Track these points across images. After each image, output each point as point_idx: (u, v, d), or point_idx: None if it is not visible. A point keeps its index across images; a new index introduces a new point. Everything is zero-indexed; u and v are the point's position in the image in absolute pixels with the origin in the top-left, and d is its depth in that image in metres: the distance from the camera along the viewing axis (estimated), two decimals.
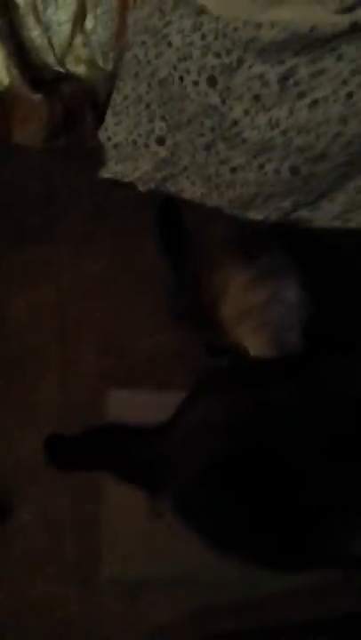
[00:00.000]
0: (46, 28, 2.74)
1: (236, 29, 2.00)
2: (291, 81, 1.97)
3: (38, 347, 2.05)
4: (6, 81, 2.78)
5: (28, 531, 1.72)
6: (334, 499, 1.33)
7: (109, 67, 2.72)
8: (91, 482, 1.74)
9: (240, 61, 2.03)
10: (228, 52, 2.04)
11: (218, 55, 2.06)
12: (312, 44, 1.90)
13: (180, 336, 2.03)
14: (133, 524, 1.65)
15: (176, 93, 2.22)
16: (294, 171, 2.12)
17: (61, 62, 2.80)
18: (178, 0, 2.13)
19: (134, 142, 2.47)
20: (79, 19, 2.68)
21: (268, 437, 1.36)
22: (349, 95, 1.91)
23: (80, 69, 2.81)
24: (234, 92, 2.09)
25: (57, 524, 1.72)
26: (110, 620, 1.60)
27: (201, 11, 2.09)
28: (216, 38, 2.05)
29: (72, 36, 2.73)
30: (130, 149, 2.49)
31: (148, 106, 2.36)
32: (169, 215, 2.23)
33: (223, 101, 2.12)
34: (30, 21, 2.72)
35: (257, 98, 2.05)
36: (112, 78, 2.65)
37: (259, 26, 1.95)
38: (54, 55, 2.79)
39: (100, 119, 2.63)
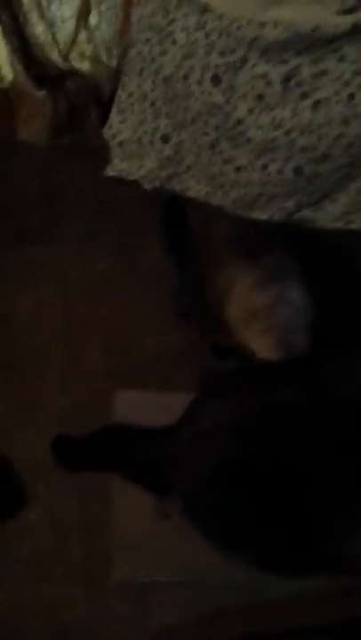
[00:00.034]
0: (50, 24, 2.73)
1: (239, 28, 1.99)
2: (293, 81, 1.97)
3: (42, 345, 2.06)
4: (10, 77, 2.76)
5: (34, 531, 1.73)
6: (339, 500, 1.34)
7: (114, 63, 2.71)
8: (98, 482, 1.75)
9: (244, 60, 2.03)
10: (232, 51, 2.03)
11: (222, 54, 2.06)
12: (314, 44, 1.89)
13: (185, 335, 2.03)
14: (141, 525, 1.66)
15: (180, 91, 2.21)
16: (298, 171, 2.11)
17: (65, 58, 2.79)
18: None
19: (139, 140, 2.46)
20: (83, 15, 2.67)
21: (274, 439, 1.38)
22: (351, 96, 1.90)
23: (84, 66, 2.79)
24: (238, 90, 2.09)
25: (64, 525, 1.74)
26: (117, 621, 1.62)
27: (205, 9, 2.08)
28: (220, 37, 2.04)
29: (76, 33, 2.72)
30: (135, 147, 2.49)
31: (153, 103, 2.35)
32: (174, 213, 2.24)
33: (227, 100, 2.12)
34: (34, 17, 2.71)
35: (261, 97, 2.05)
36: (116, 75, 2.64)
37: (262, 25, 1.94)
38: (58, 51, 2.78)
39: (105, 116, 2.63)
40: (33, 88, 2.77)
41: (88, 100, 2.79)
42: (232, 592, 1.60)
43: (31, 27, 2.74)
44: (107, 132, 2.57)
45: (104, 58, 2.77)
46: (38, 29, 2.75)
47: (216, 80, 2.11)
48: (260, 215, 2.33)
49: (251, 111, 2.10)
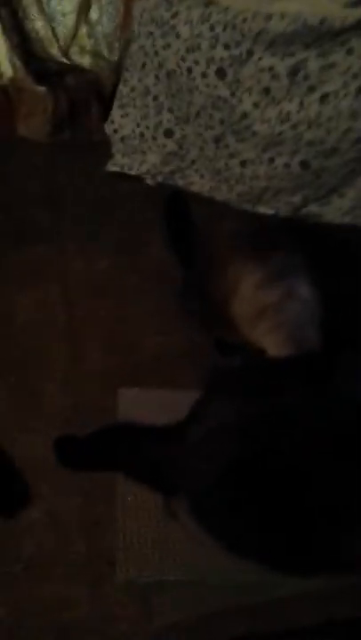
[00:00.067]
0: (50, 19, 2.71)
1: (245, 20, 1.97)
2: (301, 74, 1.96)
3: (43, 345, 2.03)
4: (9, 73, 2.75)
5: (37, 530, 1.70)
6: (345, 501, 1.32)
7: (115, 57, 2.70)
8: (101, 481, 1.73)
9: (249, 53, 2.01)
10: (238, 44, 2.02)
11: (227, 47, 2.04)
12: (322, 36, 1.88)
13: (187, 334, 2.01)
14: (146, 525, 1.64)
15: (184, 85, 2.19)
16: (305, 165, 2.10)
17: (66, 53, 2.78)
18: None
19: (142, 135, 2.44)
20: (84, 9, 2.66)
21: (281, 440, 1.36)
22: (360, 90, 1.88)
23: (85, 60, 2.78)
24: (243, 84, 2.07)
25: (66, 524, 1.71)
26: (121, 621, 1.59)
27: (209, 1, 2.06)
28: (225, 29, 2.03)
29: (77, 27, 2.71)
30: (137, 142, 2.47)
31: (155, 98, 2.33)
32: (177, 209, 2.22)
33: (232, 94, 2.10)
34: (34, 12, 2.69)
35: (267, 91, 2.03)
36: (117, 69, 2.63)
37: (269, 17, 1.92)
38: (58, 46, 2.76)
39: (106, 111, 2.61)
40: (33, 84, 2.76)
41: (89, 96, 2.77)
42: (235, 592, 1.58)
43: (31, 22, 2.73)
44: (108, 127, 2.55)
45: (105, 52, 2.75)
46: (38, 24, 2.73)
47: (221, 73, 2.09)
48: (265, 210, 2.32)
49: (256, 105, 2.08)
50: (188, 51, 2.14)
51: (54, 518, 1.71)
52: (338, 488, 1.31)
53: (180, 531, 1.58)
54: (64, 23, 2.72)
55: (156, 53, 2.25)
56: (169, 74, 2.25)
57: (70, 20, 2.70)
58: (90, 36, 2.70)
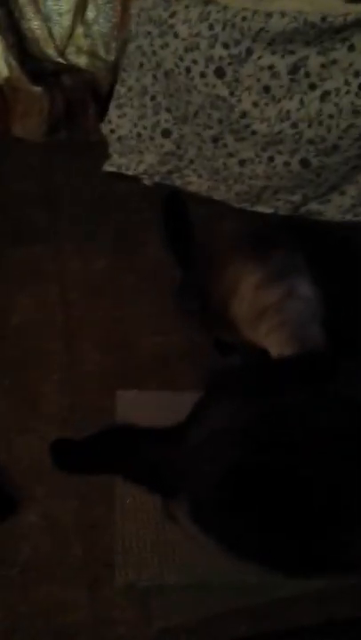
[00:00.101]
0: (46, 19, 2.71)
1: (244, 19, 1.96)
2: (301, 72, 1.95)
3: (41, 345, 2.01)
4: (5, 72, 2.74)
5: (33, 533, 1.67)
6: (344, 502, 1.31)
7: (111, 57, 2.70)
8: (98, 484, 1.70)
9: (249, 52, 2.00)
10: (237, 43, 2.01)
11: (226, 46, 2.03)
12: (323, 34, 1.87)
13: (186, 334, 2.00)
14: (145, 528, 1.61)
15: (183, 85, 2.18)
16: (305, 163, 2.09)
17: (62, 53, 2.77)
18: None
19: (139, 135, 2.43)
20: (80, 9, 2.65)
21: (282, 442, 1.34)
22: None
23: (81, 60, 2.78)
24: (242, 83, 2.06)
25: (63, 527, 1.68)
26: (119, 624, 1.57)
27: (208, 0, 2.05)
28: (224, 28, 2.02)
29: (73, 27, 2.70)
30: (134, 142, 2.45)
31: (153, 98, 2.32)
32: (174, 209, 2.20)
33: (232, 93, 2.09)
34: (30, 12, 2.69)
35: (266, 89, 2.02)
36: (114, 69, 2.62)
37: (269, 15, 1.92)
38: (55, 46, 2.76)
39: (103, 112, 2.59)
40: (29, 84, 2.75)
41: (85, 95, 2.76)
42: (235, 594, 1.56)
43: (27, 21, 2.72)
44: (105, 128, 2.54)
45: (101, 52, 2.74)
46: (34, 24, 2.72)
47: (220, 73, 2.08)
48: (264, 209, 2.31)
49: (256, 104, 2.08)
50: (186, 50, 2.13)
51: (51, 521, 1.68)
52: (339, 489, 1.30)
53: (179, 533, 1.56)
54: (60, 23, 2.71)
55: (154, 53, 2.24)
56: (167, 73, 2.23)
57: (67, 19, 2.69)
58: (86, 35, 2.70)
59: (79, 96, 2.76)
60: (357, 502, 1.30)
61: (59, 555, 1.63)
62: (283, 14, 1.89)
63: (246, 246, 1.88)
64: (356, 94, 1.89)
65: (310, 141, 2.03)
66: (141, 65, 2.32)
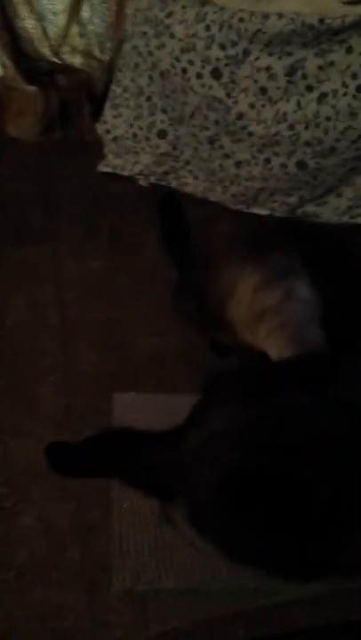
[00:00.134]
0: (41, 18, 2.70)
1: (241, 20, 1.96)
2: (298, 74, 1.95)
3: (37, 347, 2.00)
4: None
5: (29, 536, 1.66)
6: (344, 505, 1.30)
7: (106, 57, 2.68)
8: (96, 487, 1.69)
9: (246, 53, 2.00)
10: (234, 44, 2.00)
11: (223, 47, 2.02)
12: (320, 35, 1.87)
13: (182, 334, 1.99)
14: (143, 532, 1.60)
15: (179, 86, 2.17)
16: (302, 165, 2.09)
17: (57, 53, 2.76)
18: None
19: (135, 135, 2.42)
20: (75, 8, 2.64)
21: (284, 446, 1.34)
22: (359, 88, 1.89)
23: (76, 60, 2.76)
24: (239, 84, 2.06)
25: (60, 530, 1.67)
26: (116, 628, 1.56)
27: (205, 1, 2.05)
28: (221, 29, 2.01)
29: (68, 26, 2.69)
30: (130, 143, 2.44)
31: (149, 98, 2.31)
32: (170, 210, 2.19)
33: (228, 94, 2.09)
34: (24, 11, 2.67)
35: (263, 91, 2.02)
36: (109, 69, 2.61)
37: (266, 17, 1.91)
38: (49, 45, 2.74)
39: (98, 112, 2.58)
40: (23, 83, 2.73)
41: (80, 95, 2.75)
42: (233, 598, 1.55)
43: (21, 20, 2.71)
44: (100, 128, 2.52)
45: (96, 52, 2.73)
46: (28, 23, 2.71)
47: (217, 74, 2.08)
48: (260, 210, 2.31)
49: (253, 105, 2.07)
50: (182, 51, 2.12)
51: (47, 524, 1.67)
52: (339, 491, 1.30)
53: (176, 537, 1.55)
54: (55, 22, 2.70)
55: (150, 53, 2.23)
56: (163, 74, 2.23)
57: (61, 19, 2.68)
58: (82, 35, 2.68)
59: (74, 96, 2.74)
60: (358, 504, 1.29)
61: (55, 558, 1.62)
62: (280, 16, 1.89)
63: (243, 248, 1.88)
64: (354, 96, 1.89)
65: (307, 143, 2.03)
66: (137, 65, 2.31)
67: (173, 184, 2.45)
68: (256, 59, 1.98)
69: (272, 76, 1.98)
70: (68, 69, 2.76)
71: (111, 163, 2.53)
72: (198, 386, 1.67)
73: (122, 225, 2.37)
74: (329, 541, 1.32)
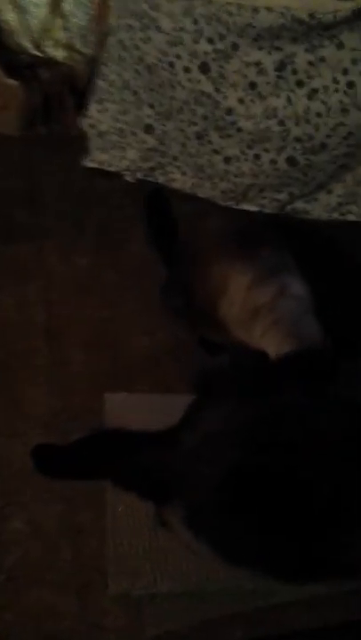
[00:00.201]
0: (22, 11, 2.65)
1: (230, 14, 1.93)
2: (288, 69, 1.93)
3: (26, 346, 1.98)
4: None
5: (22, 538, 1.65)
6: (346, 505, 1.31)
7: (89, 51, 2.64)
8: (88, 489, 1.69)
9: (235, 47, 1.97)
10: (222, 38, 1.97)
11: (211, 41, 1.99)
12: (311, 30, 1.85)
13: (174, 333, 1.99)
14: (137, 535, 1.60)
15: (166, 80, 2.14)
16: (292, 161, 2.08)
17: (39, 46, 2.71)
18: None
19: (121, 130, 2.38)
20: (57, 1, 2.59)
21: (284, 444, 1.34)
22: (350, 84, 1.88)
23: (59, 53, 2.71)
24: (228, 79, 2.03)
25: (51, 533, 1.67)
26: (110, 631, 1.56)
27: None
28: (209, 23, 1.98)
29: (50, 19, 2.65)
30: (116, 138, 2.40)
31: (135, 93, 2.28)
32: (158, 206, 2.18)
33: (217, 89, 2.06)
34: (5, 3, 2.62)
35: (253, 86, 2.00)
36: (92, 63, 2.57)
37: (255, 10, 1.88)
38: (31, 39, 2.70)
39: (81, 105, 2.55)
40: (4, 77, 2.68)
41: (63, 89, 2.71)
42: (230, 600, 1.56)
43: (2, 13, 2.66)
44: (84, 122, 2.48)
45: (79, 45, 2.69)
46: (9, 16, 2.66)
47: (205, 68, 2.05)
48: (250, 207, 2.30)
49: (242, 100, 2.05)
50: (169, 44, 2.09)
51: (36, 526, 1.67)
52: (339, 491, 1.30)
53: (171, 540, 1.55)
54: (37, 15, 2.65)
55: (136, 47, 2.19)
56: (149, 68, 2.19)
57: (43, 11, 2.63)
58: (65, 28, 2.64)
59: (57, 89, 2.70)
60: (358, 504, 1.30)
61: (48, 560, 1.62)
62: (269, 9, 1.86)
63: (232, 244, 1.87)
64: (345, 92, 1.88)
65: (297, 139, 2.02)
66: (123, 59, 2.26)
67: (161, 180, 2.42)
68: (245, 53, 1.96)
69: (262, 71, 1.96)
70: (50, 62, 2.71)
71: (97, 158, 2.49)
72: (191, 384, 1.67)
73: (108, 221, 2.35)
74: (329, 541, 1.32)
